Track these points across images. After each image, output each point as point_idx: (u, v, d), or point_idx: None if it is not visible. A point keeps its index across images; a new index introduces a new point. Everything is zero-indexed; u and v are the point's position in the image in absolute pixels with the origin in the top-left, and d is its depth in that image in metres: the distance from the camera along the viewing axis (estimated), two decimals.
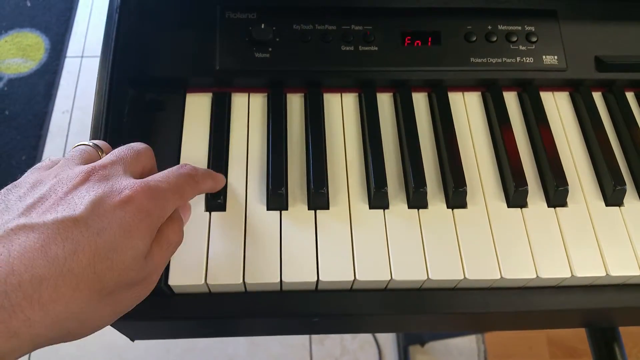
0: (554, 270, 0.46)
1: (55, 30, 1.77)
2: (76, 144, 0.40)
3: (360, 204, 0.48)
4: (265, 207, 0.47)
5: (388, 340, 1.33)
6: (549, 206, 0.49)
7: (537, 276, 0.45)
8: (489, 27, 0.55)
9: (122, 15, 0.50)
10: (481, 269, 0.45)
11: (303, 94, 0.54)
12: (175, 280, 0.43)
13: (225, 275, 0.44)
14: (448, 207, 0.48)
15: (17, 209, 0.32)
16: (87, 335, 0.33)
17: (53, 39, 1.75)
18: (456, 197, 0.48)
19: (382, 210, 0.48)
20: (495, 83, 0.55)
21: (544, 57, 0.54)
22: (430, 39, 0.54)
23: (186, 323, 0.48)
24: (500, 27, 0.55)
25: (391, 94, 0.55)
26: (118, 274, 0.32)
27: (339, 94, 0.54)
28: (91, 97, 0.47)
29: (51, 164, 0.38)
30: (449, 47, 0.54)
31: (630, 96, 0.56)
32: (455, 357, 1.33)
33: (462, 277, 0.45)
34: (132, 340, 0.49)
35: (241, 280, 0.44)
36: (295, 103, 0.54)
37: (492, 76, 0.54)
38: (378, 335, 1.32)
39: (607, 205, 0.50)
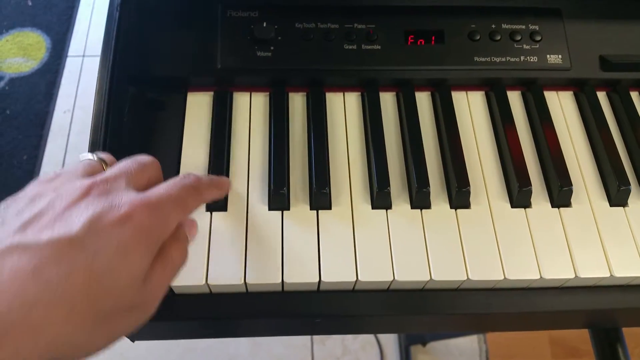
0: (557, 271, 0.45)
1: (57, 29, 1.76)
2: (81, 158, 0.39)
3: (363, 204, 0.48)
4: (267, 207, 0.47)
5: (389, 340, 1.33)
6: (552, 206, 0.49)
7: (541, 277, 0.45)
8: (493, 26, 0.54)
9: (123, 13, 0.50)
10: (484, 269, 0.45)
11: (305, 93, 0.54)
12: (176, 280, 0.43)
13: (227, 276, 0.43)
14: (451, 208, 0.48)
15: (13, 225, 0.31)
16: None
17: (54, 39, 1.75)
18: (459, 197, 0.47)
19: (384, 210, 0.47)
20: (499, 82, 0.54)
21: (548, 56, 0.54)
22: (433, 38, 0.54)
23: (187, 324, 0.47)
24: (504, 25, 0.54)
25: (394, 93, 0.55)
26: (114, 298, 0.31)
27: (342, 93, 0.54)
28: (92, 97, 0.46)
29: (54, 176, 0.36)
30: (452, 46, 0.53)
31: (635, 96, 0.56)
32: (456, 357, 1.32)
33: (465, 278, 0.44)
34: (133, 341, 0.48)
35: (242, 281, 0.43)
36: (297, 102, 0.53)
37: (496, 75, 0.54)
38: (380, 335, 1.32)
39: (611, 205, 0.49)
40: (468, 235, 0.46)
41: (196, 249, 0.44)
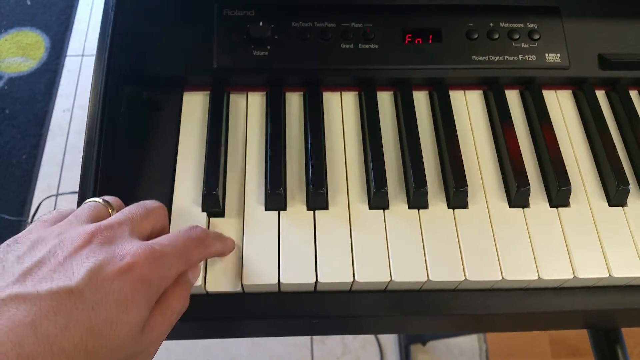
0: (555, 271, 0.45)
1: (56, 29, 1.76)
2: (87, 200, 0.38)
3: (360, 204, 0.47)
4: (263, 207, 0.47)
5: (389, 339, 1.32)
6: (551, 206, 0.48)
7: (539, 277, 0.44)
8: (491, 25, 0.54)
9: (118, 12, 0.49)
10: (482, 270, 0.44)
11: (302, 93, 0.54)
12: None
13: (223, 278, 0.43)
14: (449, 208, 0.48)
15: (12, 273, 0.30)
16: None
17: (53, 38, 1.74)
18: (457, 197, 0.47)
19: (382, 210, 0.47)
20: (497, 81, 0.54)
21: (546, 55, 0.53)
22: (431, 37, 0.53)
23: (185, 325, 0.47)
24: (502, 24, 0.54)
25: (392, 92, 0.54)
26: (112, 351, 0.30)
27: (339, 93, 0.54)
28: None
29: (58, 217, 0.36)
30: (450, 45, 0.53)
31: (634, 95, 0.55)
32: (456, 356, 1.32)
33: (462, 279, 0.44)
34: None
35: (239, 282, 0.43)
36: (294, 102, 0.53)
37: (494, 74, 0.53)
38: (379, 334, 1.32)
39: (610, 205, 0.49)
40: (466, 235, 0.46)
41: None
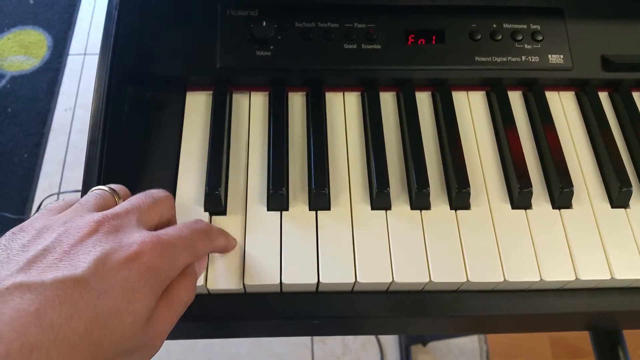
0: (558, 273, 0.45)
1: (58, 27, 1.76)
2: (93, 188, 0.38)
3: (362, 204, 0.47)
4: (265, 208, 0.47)
5: (390, 339, 1.32)
6: (553, 208, 0.48)
7: (541, 279, 0.44)
8: (494, 26, 0.54)
9: (122, 12, 0.49)
10: (484, 271, 0.44)
11: (305, 93, 0.54)
12: None
13: (225, 277, 0.43)
14: (451, 209, 0.48)
15: (17, 261, 0.30)
16: None
17: (56, 37, 1.74)
18: (459, 198, 0.47)
19: (384, 211, 0.47)
20: (500, 82, 0.54)
21: (549, 56, 0.53)
22: (434, 38, 0.53)
23: (185, 324, 0.47)
24: (505, 25, 0.54)
25: (394, 93, 0.54)
26: (116, 342, 0.30)
27: (342, 93, 0.54)
28: None
29: (65, 205, 0.36)
30: (453, 46, 0.53)
31: (637, 96, 0.55)
32: (457, 357, 1.32)
33: (464, 280, 0.44)
34: None
35: (241, 282, 0.43)
36: (296, 102, 0.53)
37: (497, 75, 0.53)
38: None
39: (612, 207, 0.49)
40: (468, 236, 0.46)
41: None
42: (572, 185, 0.48)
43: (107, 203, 0.37)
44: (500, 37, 0.53)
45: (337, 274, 0.44)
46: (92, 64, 1.72)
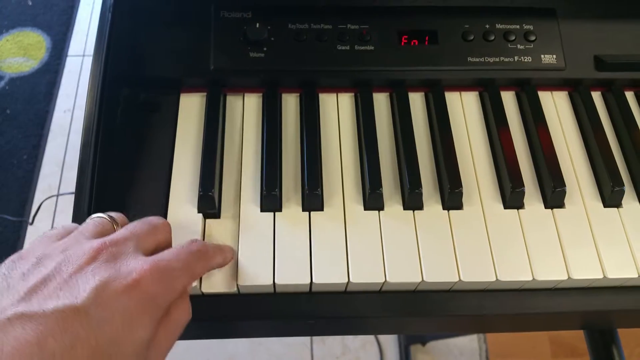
0: (550, 272, 0.45)
1: (57, 29, 1.77)
2: (92, 215, 0.38)
3: (355, 205, 0.48)
4: (259, 209, 0.47)
5: (389, 339, 1.33)
6: (546, 207, 0.49)
7: (534, 278, 0.45)
8: (487, 26, 0.54)
9: (115, 14, 0.50)
10: (476, 271, 0.45)
11: (298, 94, 0.54)
12: None
13: (218, 279, 0.43)
14: (444, 209, 0.48)
15: (18, 290, 0.30)
16: None
17: (54, 38, 1.75)
18: (452, 198, 0.47)
19: (377, 211, 0.47)
20: (492, 83, 0.54)
21: (542, 56, 0.54)
22: (427, 38, 0.53)
23: None
24: (498, 25, 0.54)
25: (387, 94, 0.54)
26: None
27: (335, 94, 0.54)
28: None
29: (63, 232, 0.36)
30: (446, 47, 0.53)
31: (629, 96, 0.55)
32: (456, 357, 1.32)
33: (457, 280, 0.44)
34: None
35: (234, 283, 0.43)
36: (290, 103, 0.53)
37: (490, 76, 0.53)
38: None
39: (605, 206, 0.49)
40: (460, 236, 0.46)
41: None
42: (565, 185, 0.48)
43: (105, 230, 0.37)
44: (493, 38, 0.53)
45: (330, 274, 0.44)
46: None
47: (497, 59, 0.53)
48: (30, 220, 1.44)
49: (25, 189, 1.49)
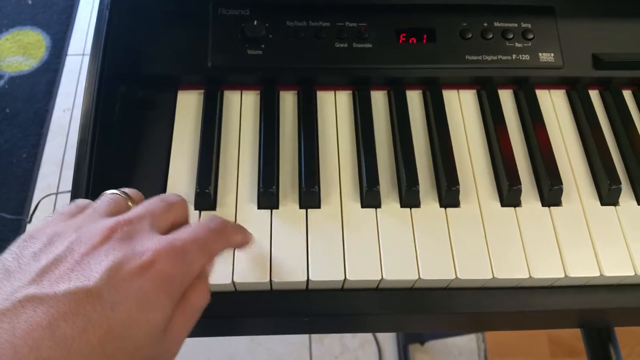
0: (547, 270, 0.45)
1: (56, 28, 1.77)
2: (106, 192, 0.37)
3: (352, 202, 0.48)
4: (256, 206, 0.47)
5: (388, 339, 1.33)
6: (543, 205, 0.49)
7: (530, 276, 0.45)
8: (485, 24, 0.54)
9: (113, 12, 0.50)
10: (473, 268, 0.45)
11: (296, 92, 0.54)
12: None
13: (215, 275, 0.43)
14: (441, 206, 0.48)
15: (29, 271, 0.29)
16: None
17: (54, 37, 1.75)
18: (449, 196, 0.47)
19: (374, 209, 0.47)
20: (490, 81, 0.54)
21: (540, 54, 0.54)
22: (425, 36, 0.53)
23: None
24: (496, 24, 0.54)
25: (385, 91, 0.54)
26: (131, 353, 0.29)
27: (333, 92, 0.54)
28: None
29: (76, 209, 0.35)
30: (444, 45, 0.53)
31: (627, 94, 0.55)
32: (455, 356, 1.32)
33: (453, 277, 0.44)
34: None
35: (230, 280, 0.43)
36: (288, 100, 0.53)
37: (488, 74, 0.53)
38: (378, 333, 1.32)
39: (602, 204, 0.49)
40: (457, 234, 0.46)
41: None
42: (562, 183, 0.48)
43: (120, 208, 0.36)
44: (491, 36, 0.53)
45: (326, 271, 0.44)
46: None
47: (495, 57, 0.53)
48: (28, 219, 1.44)
49: (25, 187, 1.49)
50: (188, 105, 0.52)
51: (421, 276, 0.44)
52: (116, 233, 0.32)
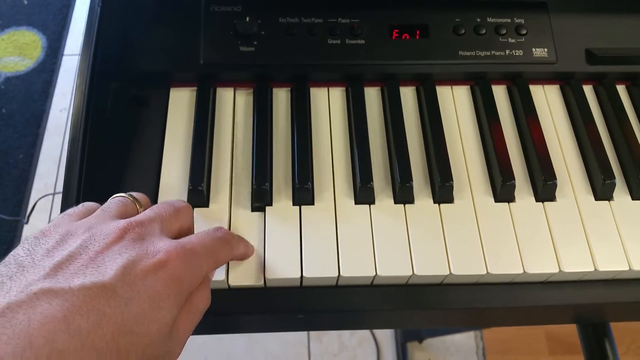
0: (541, 265, 0.45)
1: (52, 28, 1.76)
2: (115, 195, 0.38)
3: (346, 199, 0.47)
4: (249, 203, 0.47)
5: (386, 337, 1.33)
6: (537, 201, 0.48)
7: (524, 272, 0.44)
8: (478, 20, 0.54)
9: (105, 8, 0.49)
10: (467, 264, 0.44)
11: (289, 88, 0.54)
12: None
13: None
14: (435, 202, 0.48)
15: (43, 266, 0.30)
16: None
17: (50, 37, 1.74)
18: (443, 191, 0.47)
19: (367, 205, 0.47)
20: (484, 76, 0.54)
21: (533, 49, 0.53)
22: (418, 32, 0.53)
23: None
24: (489, 19, 0.54)
25: (379, 88, 0.54)
26: (142, 349, 0.30)
27: (326, 88, 0.54)
28: None
29: (85, 211, 0.36)
30: (437, 41, 0.53)
31: (621, 89, 0.55)
32: (453, 354, 1.32)
33: (447, 273, 0.44)
34: None
35: (224, 278, 0.43)
36: (281, 97, 0.53)
37: (481, 69, 0.53)
38: (376, 331, 1.32)
39: (596, 199, 0.49)
40: (451, 230, 0.46)
41: None
42: (556, 178, 0.48)
43: (129, 211, 0.37)
44: (484, 32, 0.53)
45: (320, 268, 0.44)
46: None
47: (489, 53, 0.53)
48: (25, 220, 1.43)
49: (21, 188, 1.49)
50: (180, 102, 0.51)
51: (415, 272, 0.44)
52: (129, 233, 0.33)
